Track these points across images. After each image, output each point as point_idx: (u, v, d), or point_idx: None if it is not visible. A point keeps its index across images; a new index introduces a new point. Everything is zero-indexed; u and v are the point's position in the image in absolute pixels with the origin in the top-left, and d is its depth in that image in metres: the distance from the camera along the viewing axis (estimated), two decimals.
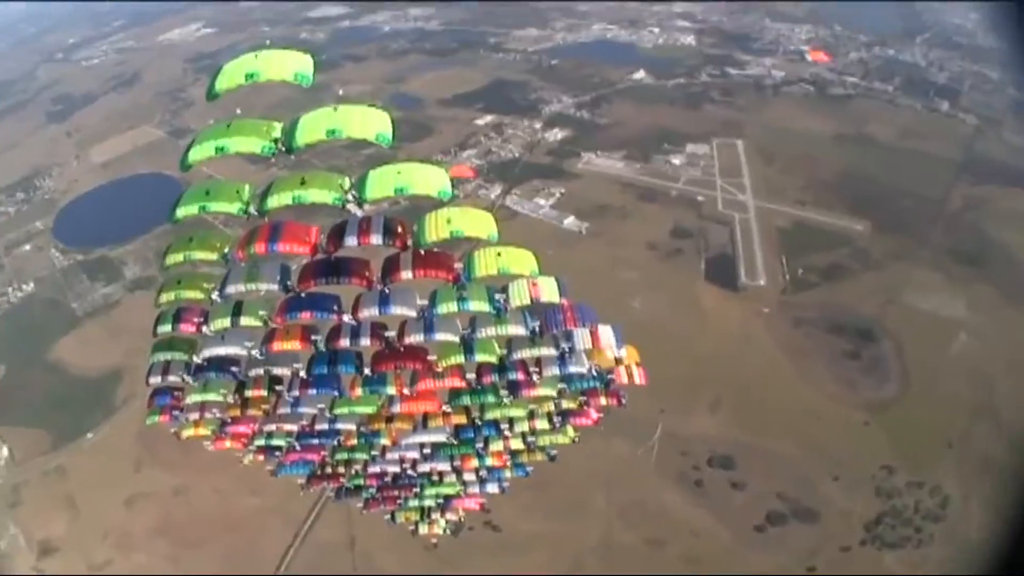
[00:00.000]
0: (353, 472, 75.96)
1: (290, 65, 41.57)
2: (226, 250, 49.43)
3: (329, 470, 76.39)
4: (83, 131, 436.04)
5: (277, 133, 42.40)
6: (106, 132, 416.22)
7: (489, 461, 74.72)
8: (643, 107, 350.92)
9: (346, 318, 52.39)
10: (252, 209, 45.20)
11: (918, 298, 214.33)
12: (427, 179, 44.20)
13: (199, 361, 58.57)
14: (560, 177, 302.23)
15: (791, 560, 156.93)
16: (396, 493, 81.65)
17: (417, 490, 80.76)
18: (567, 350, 57.58)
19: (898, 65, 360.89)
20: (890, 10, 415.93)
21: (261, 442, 71.46)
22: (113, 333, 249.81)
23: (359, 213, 44.68)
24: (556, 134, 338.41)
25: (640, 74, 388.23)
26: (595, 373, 62.90)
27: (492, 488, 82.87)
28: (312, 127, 41.71)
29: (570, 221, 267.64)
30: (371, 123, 42.09)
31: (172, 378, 62.06)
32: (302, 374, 58.90)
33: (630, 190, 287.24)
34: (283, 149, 42.04)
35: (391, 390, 59.91)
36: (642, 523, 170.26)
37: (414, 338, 53.92)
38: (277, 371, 59.28)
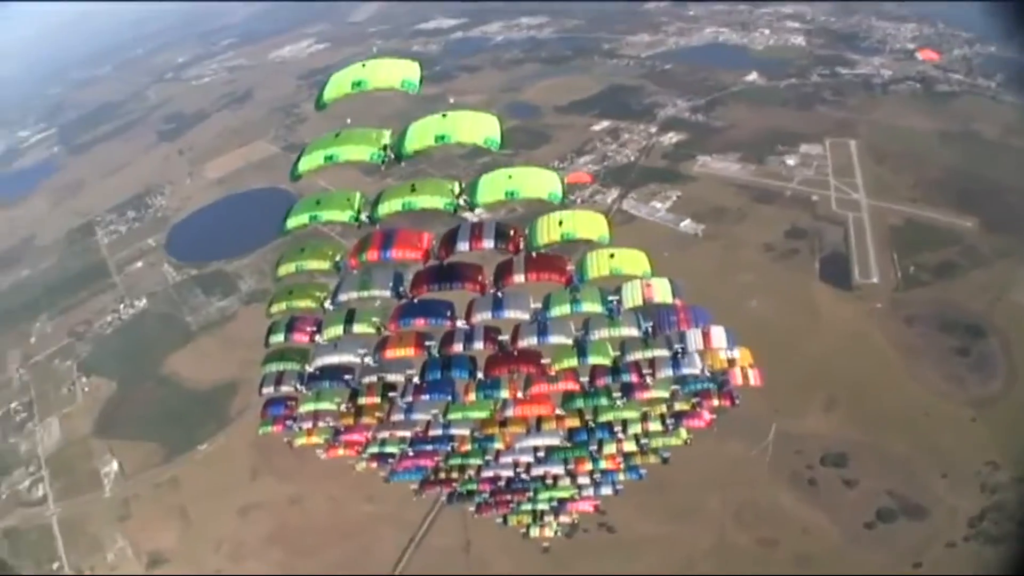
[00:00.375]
0: (466, 477, 75.89)
1: (397, 73, 41.40)
2: (338, 258, 49.80)
3: (442, 475, 76.44)
4: (196, 149, 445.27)
5: (387, 140, 42.49)
6: (219, 149, 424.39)
7: (603, 464, 74.07)
8: (756, 109, 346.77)
9: (459, 323, 52.34)
10: (363, 216, 45.23)
11: None
12: (539, 182, 43.89)
13: (312, 370, 58.81)
14: (676, 180, 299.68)
15: (898, 557, 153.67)
16: (509, 497, 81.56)
17: (531, 494, 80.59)
18: (680, 351, 56.78)
19: (1000, 61, 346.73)
20: (990, 7, 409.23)
21: (375, 449, 71.74)
22: (228, 346, 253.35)
23: (472, 218, 44.51)
24: (671, 138, 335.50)
25: (752, 76, 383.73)
26: (708, 374, 61.78)
27: (606, 490, 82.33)
28: (421, 134, 41.67)
29: (686, 224, 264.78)
30: (480, 127, 41.82)
31: (285, 388, 62.39)
32: (415, 380, 58.87)
33: (745, 192, 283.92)
34: (392, 156, 42.00)
35: (505, 394, 59.90)
36: (755, 523, 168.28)
37: (528, 341, 53.66)
38: (391, 378, 59.59)
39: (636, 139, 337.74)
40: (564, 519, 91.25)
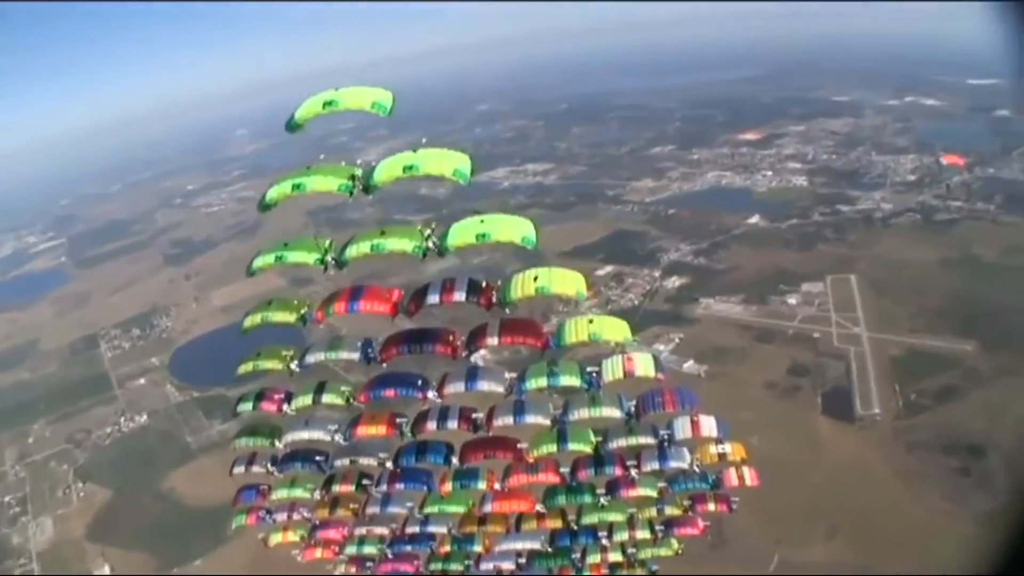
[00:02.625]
0: None
1: (368, 96, 40.90)
2: (304, 311, 48.24)
3: None
4: (203, 275, 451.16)
5: (357, 172, 41.33)
6: (226, 277, 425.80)
7: (587, 574, 70.24)
8: (759, 250, 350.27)
9: (431, 395, 50.17)
10: (330, 258, 43.92)
11: None
12: (512, 228, 42.46)
13: (282, 446, 57.25)
14: (679, 323, 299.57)
15: None
16: None
17: None
18: (666, 439, 53.98)
19: (998, 183, 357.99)
20: (987, 128, 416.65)
21: (353, 549, 69.09)
22: (227, 468, 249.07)
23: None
24: (675, 281, 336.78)
25: (755, 218, 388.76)
26: (697, 470, 58.77)
27: None
28: (391, 166, 40.91)
29: (689, 365, 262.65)
30: (448, 162, 41.27)
31: (256, 468, 60.96)
32: (389, 465, 56.69)
33: (748, 332, 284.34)
34: (361, 188, 40.84)
35: (483, 485, 57.45)
36: None
37: (503, 420, 51.24)
38: (364, 461, 57.39)
39: (640, 283, 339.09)
40: None
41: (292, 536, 69.76)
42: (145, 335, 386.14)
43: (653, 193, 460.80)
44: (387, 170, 40.72)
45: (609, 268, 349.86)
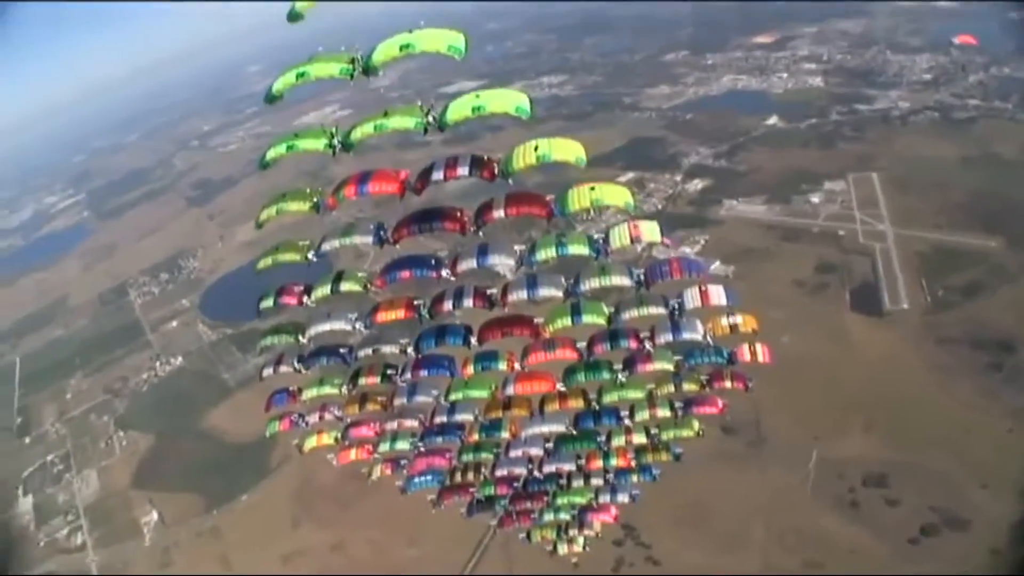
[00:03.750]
0: (482, 479, 74.26)
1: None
2: (316, 199, 49.58)
3: (459, 477, 74.67)
4: (226, 213, 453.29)
5: (357, 56, 42.73)
6: (249, 213, 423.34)
7: (614, 461, 72.45)
8: (779, 151, 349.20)
9: (445, 273, 51.69)
10: (336, 141, 45.20)
11: None
12: (506, 99, 43.57)
13: (306, 340, 59.03)
14: (703, 225, 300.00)
15: (945, 567, 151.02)
16: (528, 505, 79.46)
17: (548, 499, 78.61)
18: (676, 308, 55.12)
19: (1014, 82, 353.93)
20: (1001, 29, 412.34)
21: (386, 447, 70.90)
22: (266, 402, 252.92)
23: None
24: (696, 185, 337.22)
25: (773, 119, 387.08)
26: (711, 342, 59.28)
27: (623, 497, 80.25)
28: (388, 46, 41.78)
29: (716, 266, 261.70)
30: (442, 39, 41.95)
31: (284, 368, 62.69)
32: (410, 351, 58.13)
33: (773, 232, 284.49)
34: (361, 70, 41.97)
35: (503, 365, 58.73)
36: (801, 548, 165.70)
37: (517, 295, 52.55)
38: (386, 349, 58.89)
39: (662, 188, 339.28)
40: (588, 532, 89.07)
41: (327, 439, 71.57)
42: (174, 278, 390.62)
43: (669, 99, 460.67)
44: (385, 50, 41.51)
45: (630, 175, 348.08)
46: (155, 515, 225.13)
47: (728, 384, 64.93)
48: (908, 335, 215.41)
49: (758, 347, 61.83)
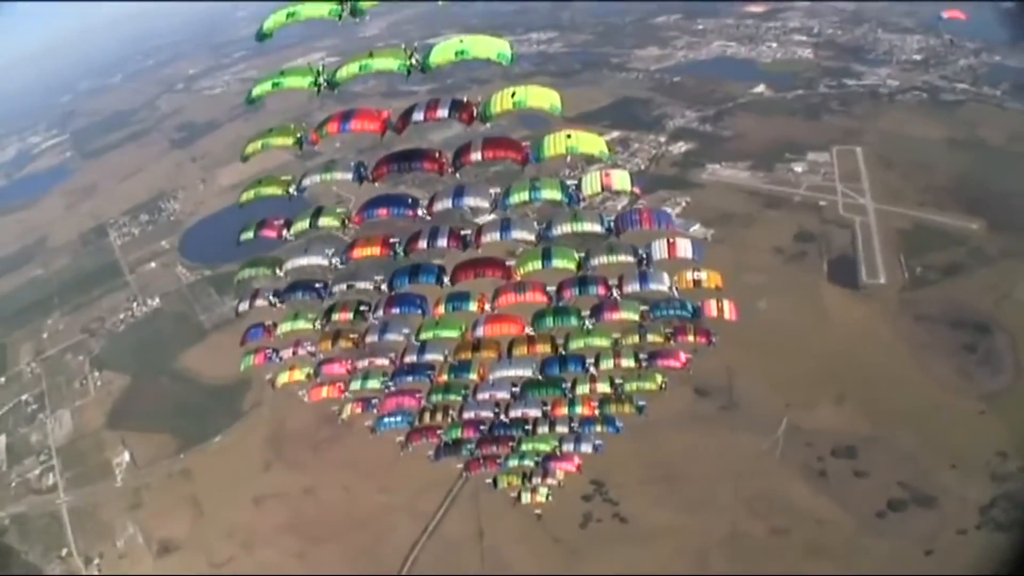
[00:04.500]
0: (450, 421, 75.74)
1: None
2: (300, 135, 50.91)
3: (427, 419, 76.15)
4: (208, 156, 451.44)
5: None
6: (232, 157, 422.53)
7: (578, 409, 73.97)
8: (764, 119, 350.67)
9: (421, 212, 53.14)
10: (322, 80, 46.57)
11: None
12: (488, 45, 44.79)
13: (282, 274, 60.57)
14: (685, 187, 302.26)
15: (910, 544, 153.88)
16: (495, 450, 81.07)
17: (514, 444, 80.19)
18: (644, 257, 56.50)
19: (1005, 70, 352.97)
20: (994, 17, 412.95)
21: (357, 385, 72.38)
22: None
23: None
24: (680, 147, 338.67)
25: (760, 88, 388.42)
26: (677, 295, 60.82)
27: (586, 448, 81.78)
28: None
29: (696, 228, 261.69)
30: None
31: (260, 302, 64.43)
32: (384, 287, 59.68)
33: (754, 198, 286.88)
34: (350, 11, 43.27)
35: (474, 307, 60.14)
36: (768, 514, 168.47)
37: (491, 237, 53.98)
38: (361, 285, 60.32)
39: (646, 148, 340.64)
40: (551, 481, 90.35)
41: (298, 375, 72.90)
42: (154, 220, 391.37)
43: (658, 61, 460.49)
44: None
45: (615, 133, 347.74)
46: (127, 456, 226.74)
47: (691, 338, 66.41)
48: (884, 310, 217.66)
49: (725, 303, 63.45)
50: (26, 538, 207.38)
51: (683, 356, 68.66)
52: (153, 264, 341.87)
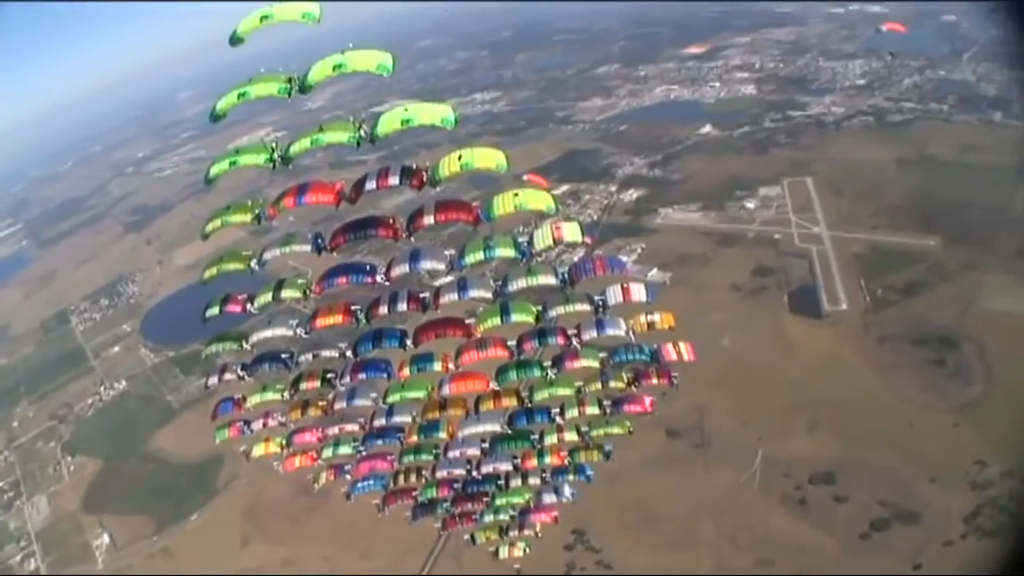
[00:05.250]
0: (424, 481, 76.67)
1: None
2: (258, 211, 52.34)
3: (402, 480, 77.03)
4: (163, 238, 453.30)
5: (293, 76, 45.36)
6: (187, 237, 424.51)
7: (548, 459, 74.78)
8: (713, 159, 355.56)
9: (379, 278, 54.44)
10: (277, 156, 48.01)
11: (993, 301, 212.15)
12: (432, 111, 46.31)
13: (249, 346, 61.51)
14: (639, 234, 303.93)
15: (898, 561, 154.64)
16: (470, 506, 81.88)
17: (488, 499, 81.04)
18: (600, 305, 57.79)
19: (950, 84, 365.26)
20: (935, 33, 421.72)
21: (329, 452, 73.25)
22: (211, 421, 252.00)
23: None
24: (632, 194, 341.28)
25: (707, 128, 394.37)
26: (633, 338, 62.20)
27: (561, 498, 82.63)
28: (322, 67, 44.59)
29: (653, 273, 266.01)
30: (371, 58, 44.47)
31: (228, 376, 65.03)
32: (349, 355, 60.67)
33: (709, 238, 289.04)
34: (298, 88, 44.80)
35: (438, 366, 61.28)
36: (752, 546, 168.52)
37: (449, 297, 55.37)
38: (326, 353, 61.50)
39: (597, 199, 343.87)
40: (528, 532, 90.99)
41: (273, 447, 73.66)
42: (114, 304, 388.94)
43: (602, 112, 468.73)
44: (319, 70, 44.13)
45: (565, 187, 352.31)
46: (106, 538, 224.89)
47: (655, 380, 67.32)
48: (848, 334, 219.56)
49: (681, 344, 64.42)
50: None
51: (648, 401, 69.76)
52: (116, 348, 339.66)
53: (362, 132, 46.34)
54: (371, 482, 77.59)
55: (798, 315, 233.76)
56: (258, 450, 74.37)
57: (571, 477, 79.31)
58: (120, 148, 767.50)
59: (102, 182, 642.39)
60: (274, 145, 49.17)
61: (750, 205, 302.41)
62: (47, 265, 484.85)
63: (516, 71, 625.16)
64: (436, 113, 45.90)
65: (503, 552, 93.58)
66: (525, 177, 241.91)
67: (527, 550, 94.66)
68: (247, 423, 71.52)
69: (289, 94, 44.89)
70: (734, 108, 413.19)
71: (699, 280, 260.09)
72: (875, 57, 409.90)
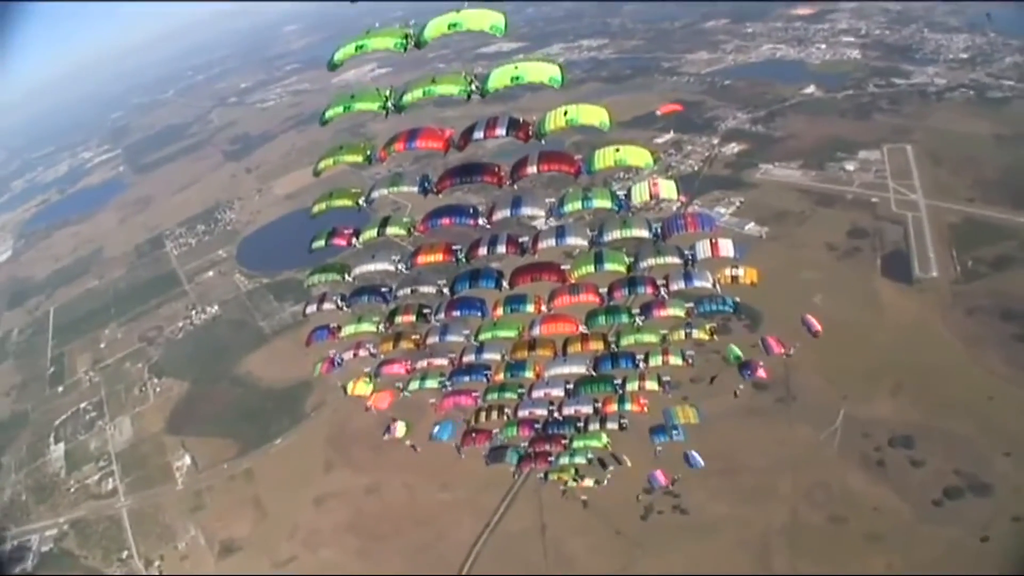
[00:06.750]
0: (505, 419, 78.56)
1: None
2: (369, 152, 54.76)
3: (483, 417, 79.27)
4: (263, 167, 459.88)
5: (409, 32, 47.26)
6: (287, 167, 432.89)
7: (628, 406, 76.63)
8: (815, 119, 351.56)
9: (481, 221, 56.77)
10: (390, 104, 50.23)
11: None
12: (541, 70, 48.24)
13: (351, 279, 64.07)
14: (739, 187, 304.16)
15: (966, 531, 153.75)
16: (547, 448, 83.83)
17: (566, 442, 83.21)
18: (690, 258, 59.40)
19: None
20: None
21: (416, 385, 75.90)
22: (302, 347, 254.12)
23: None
24: (733, 148, 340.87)
25: (810, 89, 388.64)
26: (719, 290, 63.72)
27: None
28: (438, 25, 46.62)
29: (750, 227, 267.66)
30: (486, 19, 46.44)
31: (327, 306, 67.70)
32: (446, 291, 62.98)
33: (807, 196, 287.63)
34: (413, 44, 46.99)
35: (531, 308, 63.20)
36: (826, 503, 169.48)
37: (547, 243, 57.21)
38: (424, 289, 63.72)
39: (699, 150, 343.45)
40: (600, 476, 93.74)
41: (364, 388, 77.38)
42: (210, 230, 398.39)
43: (709, 65, 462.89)
44: (435, 27, 46.05)
45: (668, 136, 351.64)
46: (188, 459, 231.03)
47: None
48: (937, 303, 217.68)
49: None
50: (86, 542, 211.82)
51: (761, 372, 74.50)
52: (211, 273, 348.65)
53: (473, 86, 48.42)
54: (450, 428, 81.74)
55: (889, 279, 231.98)
56: (361, 388, 77.60)
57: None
58: (223, 78, 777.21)
59: (203, 111, 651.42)
60: (388, 93, 51.07)
61: (849, 167, 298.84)
62: (144, 191, 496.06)
63: (624, 20, 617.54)
64: (545, 72, 47.70)
65: (572, 485, 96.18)
66: (658, 111, 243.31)
67: (597, 483, 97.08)
68: (339, 358, 74.65)
69: (405, 49, 46.84)
70: (838, 71, 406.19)
71: (795, 237, 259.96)
72: (979, 33, 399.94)
